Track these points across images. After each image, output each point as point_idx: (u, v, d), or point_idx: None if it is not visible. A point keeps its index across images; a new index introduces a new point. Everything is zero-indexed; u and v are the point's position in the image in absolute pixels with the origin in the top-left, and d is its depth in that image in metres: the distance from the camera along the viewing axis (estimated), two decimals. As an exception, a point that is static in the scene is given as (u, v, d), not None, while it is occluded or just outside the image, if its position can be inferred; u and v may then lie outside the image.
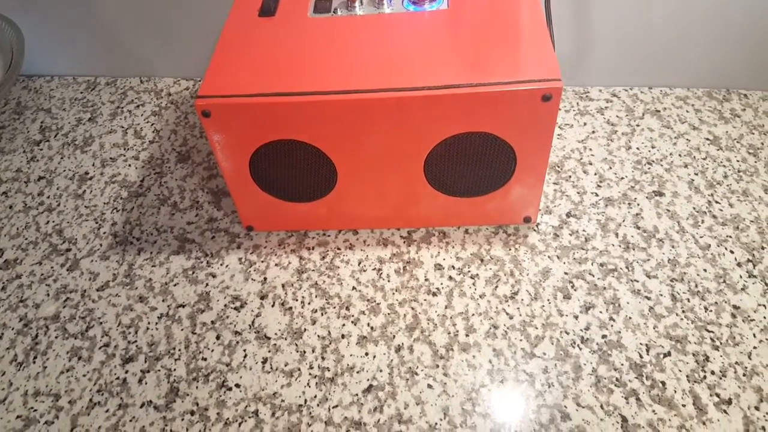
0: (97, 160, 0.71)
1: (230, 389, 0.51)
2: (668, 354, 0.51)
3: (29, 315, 0.57)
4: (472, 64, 0.49)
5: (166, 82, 0.80)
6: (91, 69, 0.81)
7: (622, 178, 0.64)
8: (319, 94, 0.48)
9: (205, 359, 0.53)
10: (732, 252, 0.57)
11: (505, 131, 0.50)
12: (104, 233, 0.63)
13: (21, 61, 0.73)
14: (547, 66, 0.48)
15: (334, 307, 0.56)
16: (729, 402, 0.48)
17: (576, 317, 0.54)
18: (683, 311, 0.53)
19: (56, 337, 0.56)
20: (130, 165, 0.70)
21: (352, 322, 0.55)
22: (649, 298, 0.54)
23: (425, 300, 0.56)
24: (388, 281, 0.57)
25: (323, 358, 0.52)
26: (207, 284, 0.58)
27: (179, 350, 0.54)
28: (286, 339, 0.54)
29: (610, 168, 0.65)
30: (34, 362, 0.54)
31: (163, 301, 0.57)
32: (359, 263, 0.59)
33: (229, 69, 0.51)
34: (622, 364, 0.50)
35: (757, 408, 0.48)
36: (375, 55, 0.51)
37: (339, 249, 0.60)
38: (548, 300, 0.55)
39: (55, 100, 0.79)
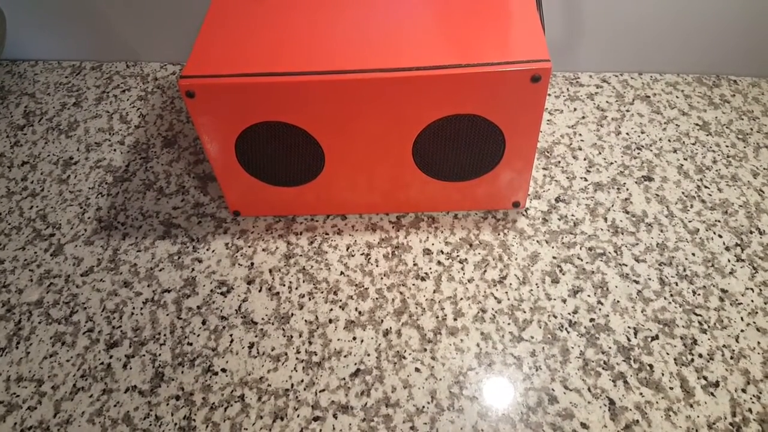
0: (82, 145, 0.70)
1: (216, 374, 0.51)
2: (656, 337, 0.51)
3: (12, 300, 0.57)
4: (460, 45, 0.49)
5: (153, 67, 0.79)
6: (77, 53, 0.80)
7: (612, 163, 0.64)
8: (305, 74, 0.48)
9: (190, 344, 0.53)
10: (720, 236, 0.57)
11: (494, 113, 0.50)
12: (89, 218, 0.62)
13: (4, 45, 0.72)
14: (536, 47, 0.48)
15: (322, 292, 0.55)
16: (716, 384, 0.48)
17: (564, 301, 0.53)
18: (671, 295, 0.53)
19: (39, 323, 0.55)
20: (115, 150, 0.69)
21: (340, 306, 0.54)
22: (637, 282, 0.54)
23: (414, 285, 0.55)
24: (377, 266, 0.57)
25: (310, 343, 0.52)
26: (193, 269, 0.58)
27: (164, 335, 0.53)
28: (273, 324, 0.53)
29: (600, 153, 0.65)
30: (17, 348, 0.53)
31: (148, 286, 0.57)
32: (347, 248, 0.58)
33: (214, 49, 0.51)
34: (610, 348, 0.50)
35: (744, 390, 0.48)
36: (362, 35, 0.51)
37: (327, 234, 0.59)
38: (536, 284, 0.55)
39: (40, 85, 0.78)
